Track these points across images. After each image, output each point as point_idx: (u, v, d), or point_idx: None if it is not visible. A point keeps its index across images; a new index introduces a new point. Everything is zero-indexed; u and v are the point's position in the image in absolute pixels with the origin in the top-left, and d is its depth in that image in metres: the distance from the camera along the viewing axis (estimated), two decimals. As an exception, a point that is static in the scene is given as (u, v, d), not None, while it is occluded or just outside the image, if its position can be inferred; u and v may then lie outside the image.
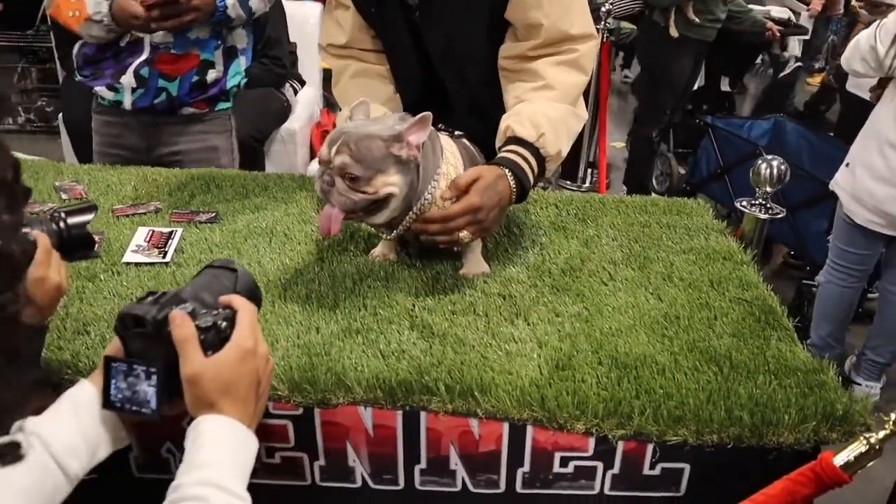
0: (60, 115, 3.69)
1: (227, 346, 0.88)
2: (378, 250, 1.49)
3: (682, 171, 4.65)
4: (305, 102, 3.83)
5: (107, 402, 0.89)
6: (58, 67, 4.66)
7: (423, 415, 1.11)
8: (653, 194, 4.59)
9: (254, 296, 0.98)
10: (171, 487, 0.82)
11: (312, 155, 3.84)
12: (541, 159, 1.43)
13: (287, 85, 3.64)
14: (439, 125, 1.43)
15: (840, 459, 0.92)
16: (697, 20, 3.96)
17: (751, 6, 4.34)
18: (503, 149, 1.42)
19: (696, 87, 4.44)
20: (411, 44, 1.59)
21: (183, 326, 0.86)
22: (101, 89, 2.05)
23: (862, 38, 2.61)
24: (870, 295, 3.20)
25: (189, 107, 2.07)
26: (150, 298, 0.90)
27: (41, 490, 0.83)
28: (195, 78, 2.01)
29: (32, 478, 0.82)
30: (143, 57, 1.97)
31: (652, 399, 1.10)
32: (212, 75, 2.02)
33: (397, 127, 1.22)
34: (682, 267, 1.51)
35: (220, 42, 2.00)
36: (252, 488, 1.19)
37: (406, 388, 1.10)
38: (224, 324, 0.89)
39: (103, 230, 1.55)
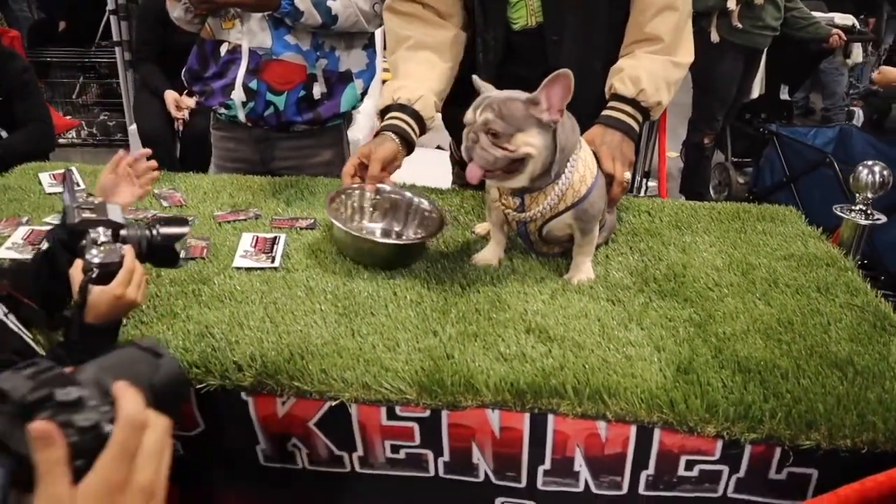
0: (133, 126, 3.79)
1: (91, 478, 0.62)
2: (481, 256, 1.50)
3: (741, 181, 4.60)
4: (366, 113, 3.88)
5: None
6: (124, 81, 4.77)
7: (550, 417, 1.12)
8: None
9: (174, 392, 0.81)
10: None
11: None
12: (643, 110, 1.58)
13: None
14: None
15: None
16: (741, 25, 3.92)
17: (814, 13, 4.29)
18: (608, 105, 1.59)
19: (756, 96, 4.39)
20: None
21: (48, 447, 0.60)
22: (216, 107, 2.08)
23: None
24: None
25: (300, 124, 2.06)
26: (30, 370, 0.65)
27: None
28: (301, 93, 2.00)
29: None
30: (244, 66, 1.98)
31: (781, 403, 1.10)
32: (317, 90, 2.01)
33: (535, 93, 1.29)
34: (786, 273, 1.50)
35: (319, 54, 2.00)
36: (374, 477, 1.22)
37: (535, 391, 1.11)
38: (108, 427, 0.64)
39: (208, 236, 1.59)
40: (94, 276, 1.08)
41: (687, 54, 1.67)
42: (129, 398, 0.65)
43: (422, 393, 1.12)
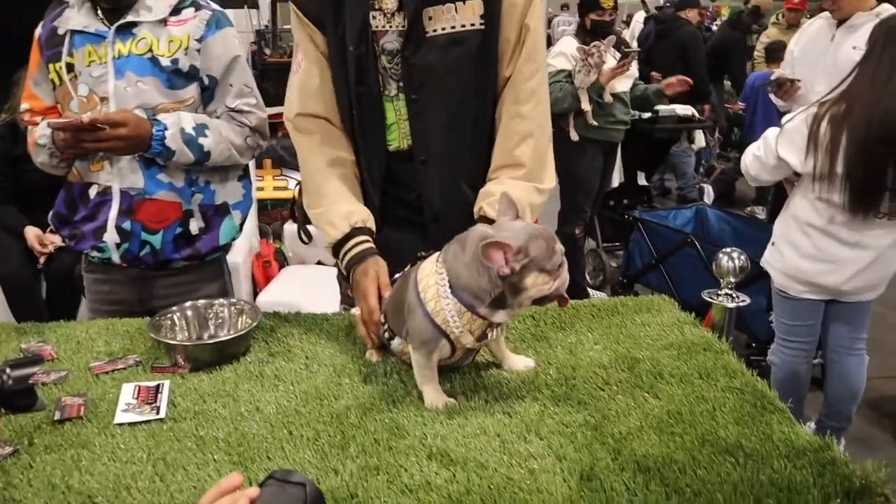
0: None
1: None
2: (434, 399, 1.44)
3: (614, 265, 4.83)
4: (244, 234, 3.83)
5: None
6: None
7: (463, 547, 1.10)
8: (589, 290, 4.74)
9: None
10: None
11: (255, 288, 3.81)
12: None
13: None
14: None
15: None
16: (596, 123, 4.21)
17: (658, 107, 4.66)
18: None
19: (617, 184, 4.67)
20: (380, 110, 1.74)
21: None
22: (88, 251, 2.00)
23: (768, 147, 2.74)
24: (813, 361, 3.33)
25: (179, 261, 2.02)
26: None
27: None
28: (178, 230, 1.96)
29: None
30: (115, 207, 1.93)
31: (682, 499, 1.13)
32: (194, 226, 1.98)
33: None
34: (669, 363, 1.56)
35: (194, 189, 1.98)
36: None
37: (444, 521, 1.09)
38: None
39: (86, 392, 1.50)
40: None
41: (549, 180, 1.78)
42: None
43: (329, 540, 1.08)
